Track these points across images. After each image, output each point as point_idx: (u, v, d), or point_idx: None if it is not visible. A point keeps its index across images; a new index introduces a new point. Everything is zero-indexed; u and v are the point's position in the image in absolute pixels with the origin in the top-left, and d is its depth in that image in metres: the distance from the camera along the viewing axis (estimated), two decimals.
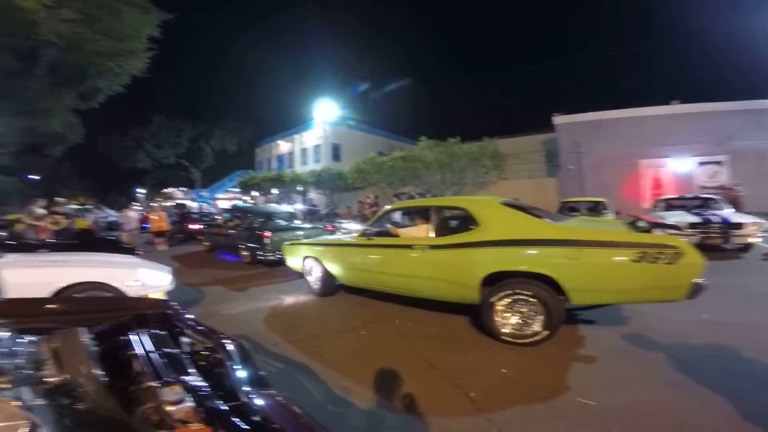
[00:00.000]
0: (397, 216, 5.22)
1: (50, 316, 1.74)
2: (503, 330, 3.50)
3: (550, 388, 2.72)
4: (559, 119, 17.71)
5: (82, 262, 4.30)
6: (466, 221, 4.01)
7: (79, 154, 25.65)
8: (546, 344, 3.37)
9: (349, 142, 28.56)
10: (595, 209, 10.01)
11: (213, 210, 22.95)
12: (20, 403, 1.17)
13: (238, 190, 31.33)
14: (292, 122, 31.93)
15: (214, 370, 1.47)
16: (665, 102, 15.97)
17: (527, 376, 2.93)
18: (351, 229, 9.13)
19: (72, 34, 10.35)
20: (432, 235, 4.12)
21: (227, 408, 1.19)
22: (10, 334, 1.35)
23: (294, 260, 5.95)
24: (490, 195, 16.55)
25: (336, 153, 28.48)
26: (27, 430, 1.08)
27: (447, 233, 4.14)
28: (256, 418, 1.12)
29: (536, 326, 3.37)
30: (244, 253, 8.59)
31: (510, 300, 3.48)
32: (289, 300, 5.42)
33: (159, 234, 11.81)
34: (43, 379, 1.34)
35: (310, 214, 15.15)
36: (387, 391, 2.78)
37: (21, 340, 1.38)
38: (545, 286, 3.33)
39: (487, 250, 3.59)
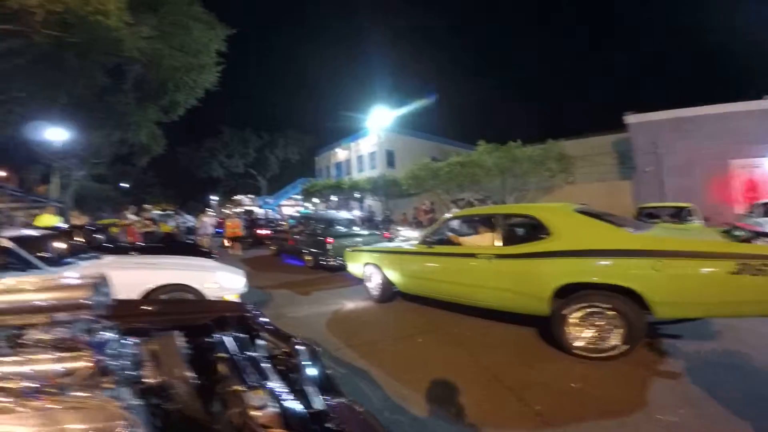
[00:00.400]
0: (459, 224, 5.13)
1: (145, 317, 1.87)
2: (576, 343, 3.30)
3: (625, 404, 2.54)
4: (632, 118, 16.31)
5: (169, 265, 4.71)
6: (536, 230, 3.84)
7: (161, 164, 28.33)
8: (623, 359, 3.13)
9: (402, 148, 28.55)
10: (679, 215, 9.08)
11: (278, 216, 24.26)
12: (120, 403, 1.25)
13: (300, 197, 32.83)
14: (349, 130, 32.47)
15: (290, 375, 1.50)
16: (756, 97, 14.05)
17: (600, 391, 2.74)
18: (409, 236, 9.15)
19: (151, 50, 11.36)
20: (498, 243, 3.99)
21: (307, 414, 1.21)
22: (117, 335, 1.45)
23: (355, 266, 6.08)
24: (556, 200, 15.67)
25: (390, 159, 28.61)
26: (124, 428, 1.15)
27: (515, 242, 3.98)
28: (334, 426, 1.13)
29: (614, 340, 3.15)
30: (307, 257, 8.96)
31: (585, 312, 3.28)
32: (350, 305, 5.54)
33: (234, 239, 12.51)
34: (142, 380, 1.42)
35: (368, 221, 15.38)
36: (445, 400, 2.73)
37: (126, 342, 1.48)
38: (626, 299, 3.10)
39: (561, 261, 3.42)
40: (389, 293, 5.40)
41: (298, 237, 9.80)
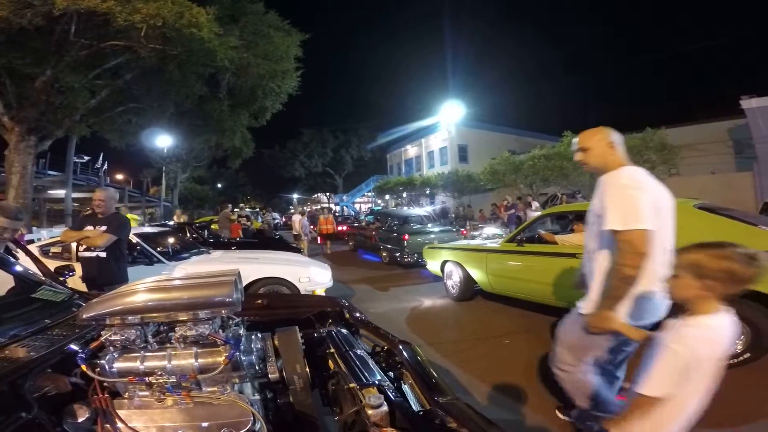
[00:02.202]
0: (554, 221, 4.82)
1: (259, 311, 1.95)
2: None
3: (741, 414, 2.32)
4: (751, 102, 13.98)
5: (267, 259, 5.09)
6: None
7: (250, 166, 30.95)
8: (746, 368, 2.82)
9: (475, 141, 27.79)
10: None
11: (353, 213, 25.07)
12: (247, 398, 1.30)
13: (372, 194, 33.61)
14: (420, 127, 32.44)
15: (393, 372, 1.49)
16: None
17: (717, 401, 2.42)
18: (490, 233, 8.88)
19: (239, 59, 12.05)
20: None
21: (415, 413, 1.19)
22: (245, 331, 1.52)
23: (433, 263, 6.04)
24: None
25: (463, 154, 28.02)
26: (250, 424, 1.20)
27: None
28: (442, 424, 1.10)
29: (738, 347, 2.84)
30: (384, 254, 9.15)
31: None
32: (428, 302, 5.53)
33: (327, 236, 12.41)
34: (265, 375, 1.47)
35: (443, 217, 15.18)
36: (533, 404, 2.61)
37: (255, 337, 1.54)
38: (755, 304, 2.74)
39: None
40: (469, 292, 5.28)
41: (374, 233, 10.04)
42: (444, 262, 5.66)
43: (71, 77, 9.79)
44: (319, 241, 12.66)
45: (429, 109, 29.33)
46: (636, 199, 1.65)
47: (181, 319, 1.32)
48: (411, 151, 34.50)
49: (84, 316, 1.28)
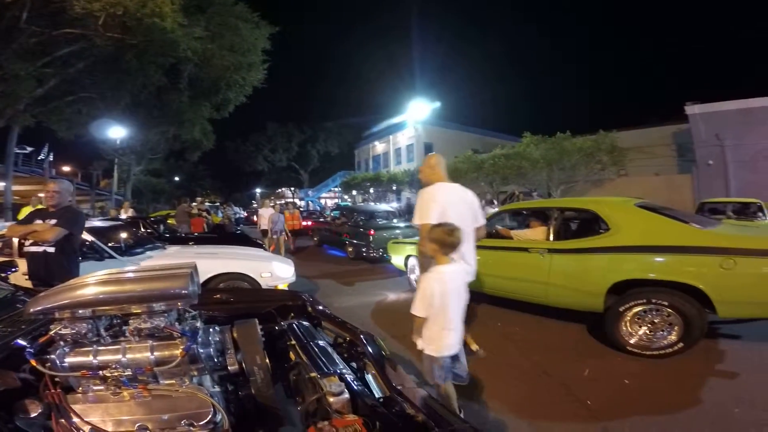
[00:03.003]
0: (509, 217, 5.03)
1: (218, 306, 1.95)
2: (630, 340, 3.21)
3: (678, 402, 2.51)
4: (693, 108, 15.23)
5: (227, 255, 4.95)
6: (594, 224, 3.75)
7: (210, 158, 29.84)
8: (678, 357, 3.06)
9: (441, 140, 28.37)
10: (745, 212, 8.39)
11: (318, 208, 24.78)
12: (206, 390, 1.29)
13: (339, 189, 33.43)
14: (387, 124, 32.78)
15: (355, 363, 1.53)
16: None
17: (653, 388, 2.70)
18: None
19: (203, 50, 11.86)
20: (552, 238, 3.90)
21: (376, 400, 1.23)
22: (203, 324, 1.50)
23: (397, 258, 6.15)
24: (607, 194, 14.94)
25: (428, 151, 28.55)
26: (211, 415, 1.21)
27: (570, 236, 3.89)
28: (402, 410, 1.14)
29: (671, 337, 3.08)
30: (350, 249, 9.16)
31: (641, 309, 3.18)
32: (392, 296, 5.61)
33: (292, 232, 11.45)
34: (224, 367, 1.47)
35: (409, 213, 15.39)
36: (494, 393, 2.74)
37: (211, 330, 1.52)
38: (687, 296, 2.99)
39: (620, 257, 3.32)
40: None
41: (340, 228, 10.01)
42: (407, 257, 5.78)
43: (17, 65, 9.15)
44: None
45: (398, 107, 29.70)
46: (427, 204, 2.58)
47: (135, 311, 1.29)
48: (379, 147, 34.67)
49: (31, 310, 1.23)
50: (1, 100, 9.73)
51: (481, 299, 4.78)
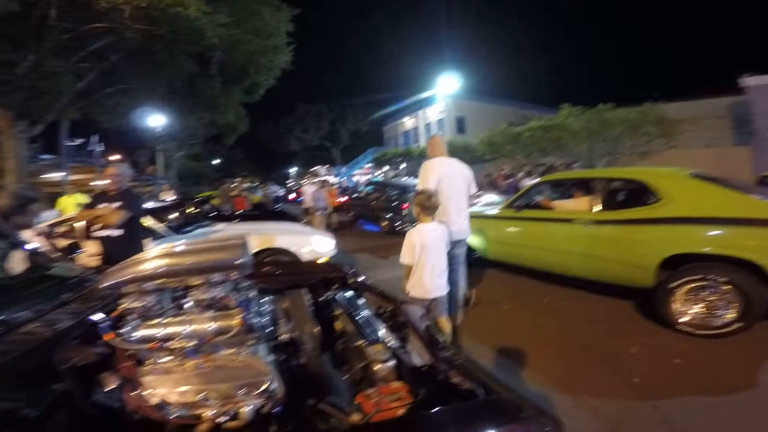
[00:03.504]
0: (551, 188, 4.87)
1: (265, 278, 1.96)
2: (681, 319, 3.04)
3: (733, 384, 2.37)
4: (750, 80, 14.50)
5: (270, 230, 5.09)
6: (643, 195, 3.53)
7: (246, 141, 30.75)
8: (733, 338, 2.86)
9: (473, 113, 27.77)
10: None
11: (351, 184, 25.07)
12: (260, 357, 1.32)
13: (370, 165, 33.56)
14: (416, 99, 32.24)
15: (398, 332, 1.52)
16: None
17: (707, 369, 2.57)
18: (488, 201, 8.95)
19: (229, 36, 11.90)
20: (597, 208, 3.73)
21: (421, 368, 1.23)
22: (258, 294, 1.54)
23: None
24: (655, 166, 14.14)
25: (460, 125, 28.12)
26: (267, 384, 1.22)
27: (617, 207, 3.70)
28: (446, 378, 1.13)
29: (729, 316, 2.86)
30: (384, 223, 9.26)
31: (695, 285, 2.98)
32: None
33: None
34: (277, 337, 1.52)
35: None
36: (535, 367, 2.72)
37: (264, 300, 1.56)
38: (746, 272, 2.76)
39: (673, 229, 3.12)
40: (468, 258, 5.35)
41: (374, 203, 10.09)
42: None
43: (53, 62, 9.57)
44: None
45: (426, 82, 29.22)
46: (428, 173, 3.22)
47: (194, 283, 1.35)
48: (408, 123, 34.35)
49: (102, 285, 1.31)
50: (45, 96, 10.20)
51: (525, 273, 4.71)
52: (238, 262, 1.31)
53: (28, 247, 2.07)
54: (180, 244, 1.47)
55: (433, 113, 30.15)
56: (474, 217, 5.13)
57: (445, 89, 26.71)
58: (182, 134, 21.98)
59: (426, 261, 2.60)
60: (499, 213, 4.78)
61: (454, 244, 3.20)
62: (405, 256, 2.64)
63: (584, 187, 4.27)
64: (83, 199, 7.61)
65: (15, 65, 9.28)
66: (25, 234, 3.62)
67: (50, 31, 9.05)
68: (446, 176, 3.22)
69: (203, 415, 1.18)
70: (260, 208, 11.71)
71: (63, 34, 9.29)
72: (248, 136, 24.45)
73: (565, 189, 4.78)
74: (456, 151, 21.95)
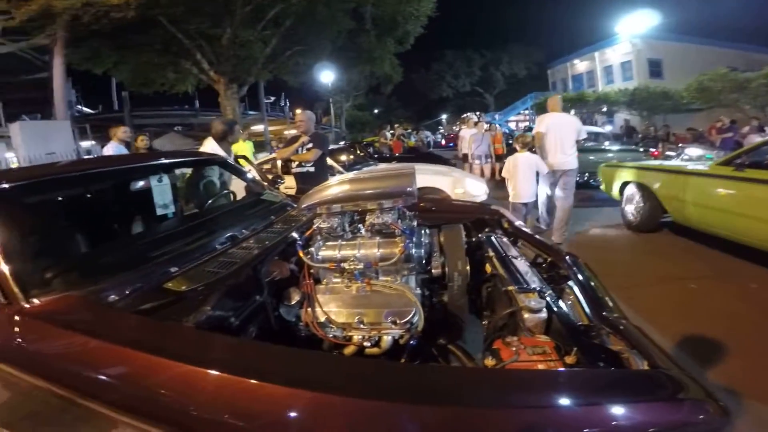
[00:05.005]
0: None
1: (422, 213, 1.96)
2: None
3: None
4: None
5: (424, 170, 5.17)
6: None
7: (400, 90, 32.19)
8: None
9: (674, 55, 23.82)
10: None
11: (507, 131, 24.17)
12: (411, 288, 1.32)
13: (530, 111, 31.05)
14: (587, 39, 29.12)
15: (554, 286, 1.36)
16: None
17: None
18: (694, 155, 7.25)
19: None
20: None
21: (576, 326, 1.10)
22: (418, 226, 1.57)
23: (611, 184, 5.24)
24: None
25: (656, 69, 24.47)
26: (411, 315, 1.22)
27: None
28: (603, 342, 0.99)
29: None
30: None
31: None
32: (597, 228, 5.01)
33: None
34: (428, 271, 1.50)
35: (628, 137, 13.90)
36: (712, 359, 2.22)
37: (423, 232, 1.57)
38: None
39: None
40: (655, 222, 4.52)
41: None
42: (624, 184, 4.87)
43: (245, 32, 11.81)
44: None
45: (604, 20, 25.60)
46: (540, 122, 4.54)
47: (369, 208, 1.45)
48: (580, 66, 30.60)
49: (303, 205, 1.51)
50: (246, 61, 12.93)
51: (727, 248, 3.72)
52: (409, 189, 1.36)
53: (248, 176, 2.59)
54: (361, 173, 1.59)
55: (614, 55, 26.60)
56: (674, 171, 4.30)
57: (633, 28, 23.64)
58: (348, 87, 24.69)
59: (516, 178, 4.23)
60: (710, 170, 3.79)
61: (561, 173, 4.34)
62: (505, 172, 4.44)
63: None
64: (250, 146, 8.76)
65: (220, 39, 11.74)
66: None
67: (235, 5, 11.00)
68: (554, 125, 4.36)
69: (354, 338, 1.26)
70: (415, 151, 12.60)
71: (245, 7, 11.18)
72: (402, 86, 25.65)
73: None
74: (650, 98, 19.50)
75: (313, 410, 0.68)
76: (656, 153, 8.94)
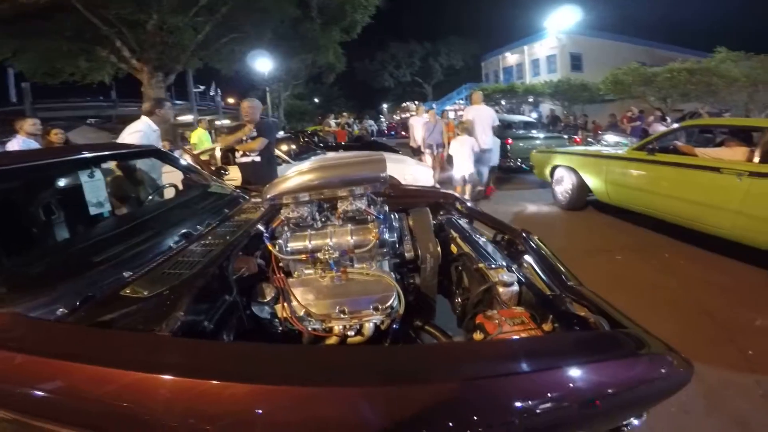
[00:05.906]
0: (696, 134, 4.25)
1: (387, 199, 1.92)
2: None
3: None
4: None
5: None
6: None
7: (342, 80, 31.76)
8: None
9: (593, 50, 25.70)
10: None
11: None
12: (389, 273, 1.33)
13: (464, 101, 32.28)
14: (518, 34, 30.71)
15: (516, 259, 1.40)
16: None
17: None
18: (612, 141, 8.17)
19: None
20: (757, 159, 3.09)
21: (546, 296, 1.15)
22: (387, 209, 1.56)
23: (541, 168, 5.74)
24: None
25: (576, 63, 26.31)
26: (392, 300, 1.22)
27: None
28: (569, 310, 1.04)
29: None
30: None
31: None
32: (532, 208, 5.42)
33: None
34: (401, 254, 1.49)
35: (552, 125, 14.86)
36: (647, 326, 2.49)
37: (393, 217, 1.56)
38: None
39: None
40: (581, 201, 5.01)
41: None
42: (554, 168, 5.34)
43: (174, 19, 10.89)
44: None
45: (532, 16, 27.27)
46: (467, 112, 6.07)
47: (340, 195, 1.42)
48: (511, 59, 32.37)
49: (268, 195, 1.45)
50: (174, 49, 11.93)
51: (645, 223, 4.23)
52: (382, 175, 1.36)
53: (191, 169, 2.41)
54: (329, 159, 1.54)
55: (541, 49, 28.29)
56: (598, 156, 4.77)
57: (558, 24, 25.07)
58: (287, 76, 23.63)
59: (464, 155, 5.11)
60: (627, 155, 4.28)
61: (483, 151, 5.48)
62: (452, 150, 5.28)
63: (740, 135, 3.60)
64: (204, 133, 8.75)
65: (144, 25, 10.71)
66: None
67: None
68: (477, 115, 5.62)
69: (335, 328, 1.23)
70: (360, 140, 12.94)
71: None
72: (345, 75, 25.33)
73: (712, 137, 4.22)
74: (572, 90, 20.87)
75: (277, 404, 0.67)
76: (578, 140, 9.89)
